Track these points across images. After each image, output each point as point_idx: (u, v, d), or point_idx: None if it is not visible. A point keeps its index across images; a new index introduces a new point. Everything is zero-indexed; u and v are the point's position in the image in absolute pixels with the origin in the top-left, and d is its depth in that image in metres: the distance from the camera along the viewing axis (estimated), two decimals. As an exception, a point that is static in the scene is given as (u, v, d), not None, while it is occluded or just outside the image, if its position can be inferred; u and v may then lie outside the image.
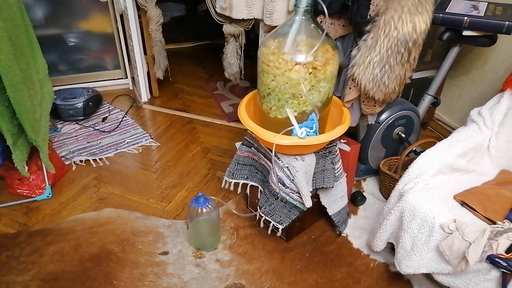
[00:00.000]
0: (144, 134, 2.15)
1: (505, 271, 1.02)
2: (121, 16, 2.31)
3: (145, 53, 2.33)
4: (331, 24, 1.47)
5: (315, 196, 1.44)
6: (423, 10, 1.19)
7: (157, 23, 2.16)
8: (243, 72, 2.14)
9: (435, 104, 1.85)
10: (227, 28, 1.93)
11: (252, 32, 2.42)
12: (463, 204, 1.22)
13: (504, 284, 1.03)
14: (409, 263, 1.22)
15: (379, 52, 1.26)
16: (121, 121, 2.25)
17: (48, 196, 1.69)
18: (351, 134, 1.65)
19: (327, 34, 1.17)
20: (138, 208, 1.67)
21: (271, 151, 1.26)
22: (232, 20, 1.88)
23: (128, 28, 2.21)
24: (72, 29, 2.35)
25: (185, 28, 3.52)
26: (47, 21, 2.27)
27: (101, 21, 2.37)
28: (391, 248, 1.44)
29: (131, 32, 2.19)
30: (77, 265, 1.40)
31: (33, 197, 1.68)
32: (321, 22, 1.41)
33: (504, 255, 1.02)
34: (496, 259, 1.03)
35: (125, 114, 2.32)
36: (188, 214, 1.48)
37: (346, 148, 1.54)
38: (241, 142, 1.49)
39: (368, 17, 1.29)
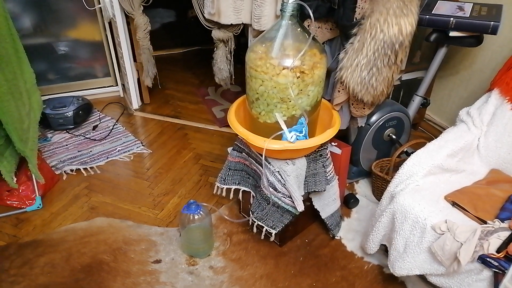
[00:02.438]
0: (135, 141, 2.13)
1: (496, 270, 1.03)
2: (110, 23, 2.30)
3: (134, 60, 2.32)
4: (318, 28, 1.48)
5: (307, 200, 1.44)
6: (408, 12, 1.20)
7: (144, 30, 2.14)
8: (233, 77, 2.14)
9: (424, 104, 1.86)
10: (216, 34, 1.93)
11: (242, 37, 2.42)
12: (454, 204, 1.22)
13: (496, 283, 1.03)
14: (402, 265, 1.22)
15: (366, 55, 1.26)
16: (112, 129, 2.23)
17: (38, 207, 1.67)
18: (342, 136, 1.65)
19: (314, 38, 1.18)
20: (130, 217, 1.65)
21: (262, 156, 1.25)
22: (220, 26, 1.88)
23: (117, 36, 2.21)
24: (61, 38, 2.34)
25: (175, 34, 3.52)
26: (35, 30, 2.26)
27: (89, 29, 2.36)
28: (384, 250, 1.44)
29: (120, 39, 2.18)
30: (68, 276, 1.38)
31: (23, 208, 1.66)
32: (308, 26, 1.41)
33: (495, 255, 1.02)
34: (488, 259, 1.03)
35: (116, 121, 2.30)
36: (180, 221, 1.47)
37: (337, 151, 1.54)
38: (232, 148, 1.49)
39: (354, 20, 1.30)
